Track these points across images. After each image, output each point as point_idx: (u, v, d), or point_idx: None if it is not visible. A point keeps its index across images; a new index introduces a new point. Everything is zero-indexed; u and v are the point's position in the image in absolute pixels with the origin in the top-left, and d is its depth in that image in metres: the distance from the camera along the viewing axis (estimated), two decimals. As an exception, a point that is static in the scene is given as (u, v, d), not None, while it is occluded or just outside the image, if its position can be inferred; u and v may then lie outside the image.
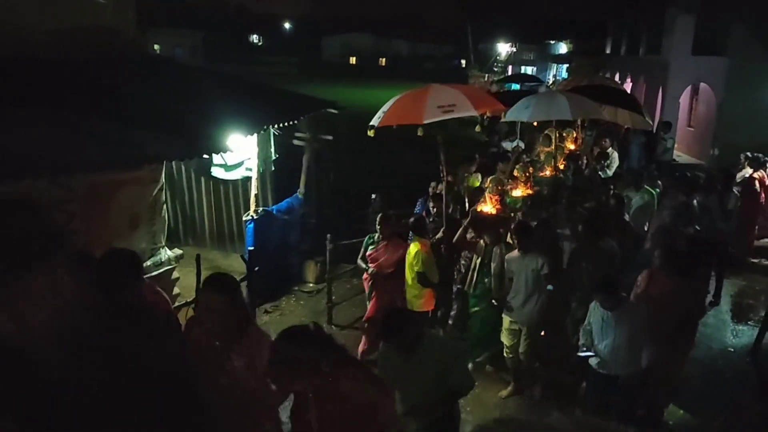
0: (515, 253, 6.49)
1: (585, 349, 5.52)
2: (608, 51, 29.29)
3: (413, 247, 6.69)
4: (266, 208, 8.93)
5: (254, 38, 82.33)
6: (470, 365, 6.71)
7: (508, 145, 14.47)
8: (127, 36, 9.10)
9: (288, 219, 9.33)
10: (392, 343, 4.05)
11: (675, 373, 6.12)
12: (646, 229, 8.69)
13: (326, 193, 11.16)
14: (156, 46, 45.20)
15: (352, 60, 68.49)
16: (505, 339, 6.61)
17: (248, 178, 8.95)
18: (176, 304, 6.66)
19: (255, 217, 8.42)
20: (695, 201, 8.68)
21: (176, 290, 7.07)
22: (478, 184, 10.16)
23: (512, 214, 8.27)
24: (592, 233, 6.68)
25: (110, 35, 8.66)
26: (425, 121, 6.51)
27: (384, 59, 69.67)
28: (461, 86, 7.84)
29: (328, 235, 8.40)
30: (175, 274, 7.01)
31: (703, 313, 6.85)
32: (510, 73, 47.75)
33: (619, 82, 23.26)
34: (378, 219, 7.15)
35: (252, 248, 7.62)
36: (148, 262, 6.51)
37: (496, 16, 56.07)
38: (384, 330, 4.07)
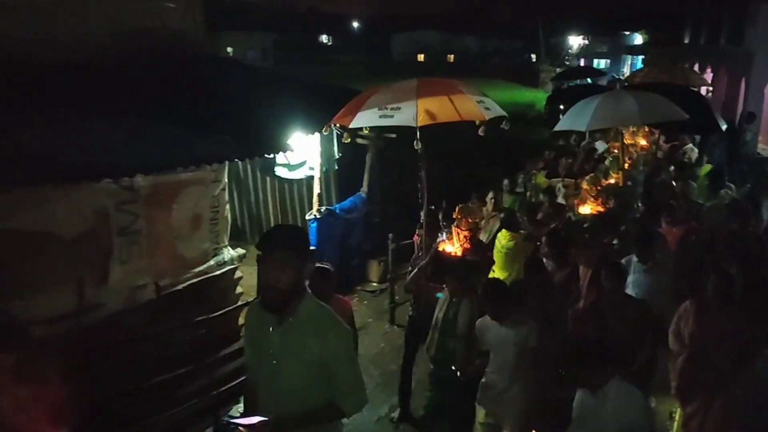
0: (488, 319, 4.84)
1: None
2: (686, 41, 28.09)
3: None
4: (329, 207, 8.91)
5: (324, 38, 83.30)
6: None
7: (601, 146, 12.70)
8: (195, 39, 9.27)
9: (351, 218, 9.29)
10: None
11: None
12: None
13: (389, 192, 11.06)
14: (229, 49, 46.27)
15: (420, 57, 68.27)
16: None
17: (312, 178, 8.95)
18: (239, 303, 6.72)
19: (318, 216, 8.41)
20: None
21: (239, 289, 7.12)
22: (546, 183, 9.78)
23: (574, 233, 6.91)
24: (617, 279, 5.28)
25: (178, 38, 8.84)
26: (351, 126, 5.87)
27: (452, 56, 69.10)
28: (444, 85, 6.23)
29: (390, 235, 8.31)
30: (237, 273, 7.06)
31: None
32: (582, 66, 46.56)
33: (699, 72, 22.25)
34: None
35: (314, 247, 7.60)
36: (211, 262, 6.58)
37: (568, 8, 54.67)
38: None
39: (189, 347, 5.85)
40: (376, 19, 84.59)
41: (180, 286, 6.18)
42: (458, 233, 6.52)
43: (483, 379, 4.96)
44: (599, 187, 8.00)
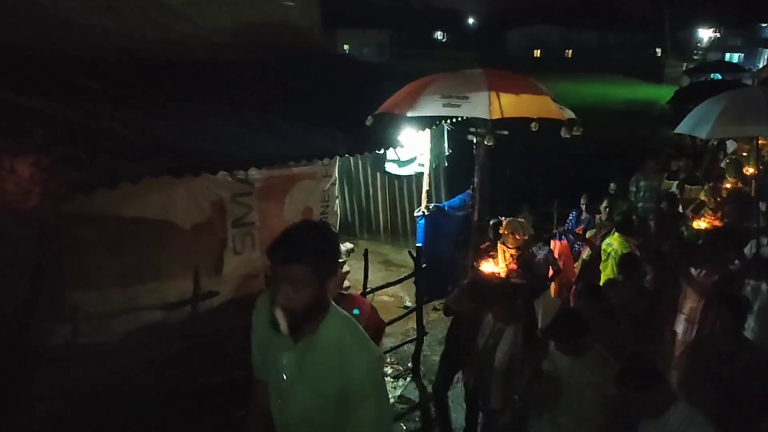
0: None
1: None
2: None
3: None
4: (438, 204, 8.83)
5: (439, 35, 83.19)
6: None
7: (732, 146, 11.40)
8: (313, 36, 9.49)
9: (460, 216, 9.16)
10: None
11: None
12: None
13: (500, 190, 10.84)
14: (345, 46, 47.17)
15: (537, 53, 66.68)
16: None
17: (422, 174, 8.91)
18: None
19: (426, 213, 8.36)
20: None
21: (346, 283, 7.19)
22: (669, 186, 9.14)
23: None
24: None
25: (296, 35, 9.08)
26: (410, 114, 5.36)
27: (570, 51, 66.98)
28: (516, 79, 5.79)
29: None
30: (345, 268, 7.13)
31: None
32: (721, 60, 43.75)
33: None
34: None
35: (420, 244, 7.55)
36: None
37: (698, -1, 51.52)
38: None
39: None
40: (491, 14, 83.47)
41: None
42: (504, 251, 5.90)
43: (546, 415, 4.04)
44: (719, 198, 7.04)
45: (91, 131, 4.53)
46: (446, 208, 8.94)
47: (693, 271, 5.82)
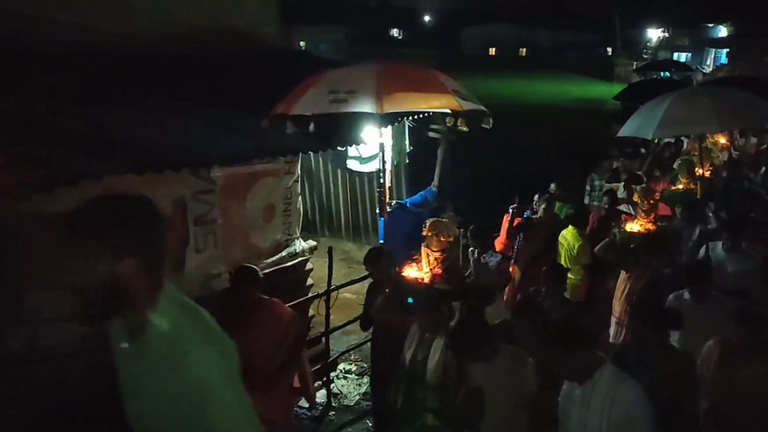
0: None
1: None
2: (777, 33, 26.70)
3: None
4: (399, 201, 8.88)
5: (395, 32, 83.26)
6: None
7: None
8: (271, 32, 9.41)
9: (421, 212, 9.22)
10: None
11: None
12: None
13: (460, 187, 10.94)
14: (302, 43, 46.85)
15: (492, 51, 67.36)
16: None
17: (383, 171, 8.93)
18: (309, 294, 6.77)
19: (388, 210, 8.37)
20: None
21: (309, 281, 7.17)
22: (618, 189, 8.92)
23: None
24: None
25: (255, 31, 8.99)
26: (295, 113, 4.94)
27: (524, 49, 67.89)
28: (412, 72, 5.44)
29: (462, 230, 8.20)
30: (308, 265, 7.11)
31: None
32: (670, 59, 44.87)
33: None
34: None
35: (382, 241, 7.58)
36: (283, 253, 6.65)
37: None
38: None
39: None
40: (447, 12, 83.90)
41: (254, 276, 6.27)
42: (428, 254, 5.54)
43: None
44: (652, 201, 6.90)
45: (50, 128, 4.41)
46: (408, 204, 9.00)
47: (623, 274, 5.93)
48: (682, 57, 43.10)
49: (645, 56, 46.98)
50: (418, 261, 5.52)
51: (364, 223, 10.26)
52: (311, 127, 5.09)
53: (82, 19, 6.64)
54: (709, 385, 4.00)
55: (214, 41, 7.83)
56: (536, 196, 7.98)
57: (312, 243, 7.16)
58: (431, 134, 9.91)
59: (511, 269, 6.97)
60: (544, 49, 66.12)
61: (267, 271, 6.37)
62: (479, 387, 3.73)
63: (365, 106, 4.68)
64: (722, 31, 42.05)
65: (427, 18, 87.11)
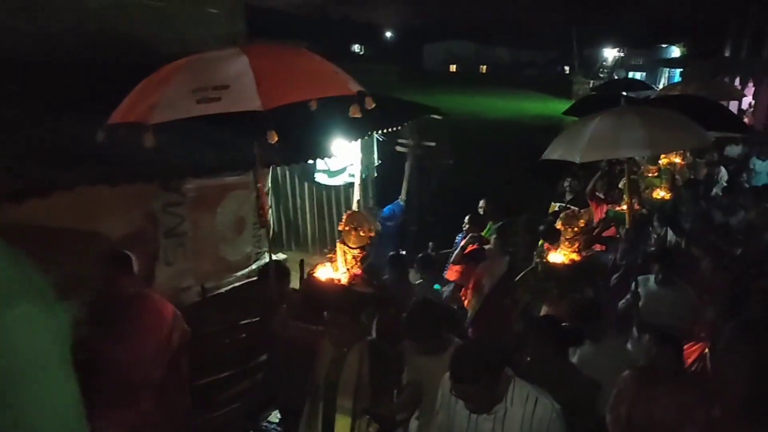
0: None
1: None
2: (727, 54, 27.63)
3: None
4: (368, 215, 8.90)
5: (357, 47, 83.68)
6: None
7: (733, 151, 11.26)
8: (238, 45, 9.38)
9: (389, 226, 9.26)
10: None
11: None
12: None
13: (428, 200, 11.03)
14: (263, 57, 46.76)
15: (453, 68, 68.24)
16: None
17: (351, 184, 8.96)
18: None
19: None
20: None
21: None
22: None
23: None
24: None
25: (221, 44, 8.95)
26: (154, 121, 3.59)
27: (485, 66, 68.97)
28: (288, 54, 4.34)
29: (430, 243, 8.27)
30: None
31: None
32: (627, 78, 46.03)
33: (740, 86, 21.85)
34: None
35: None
36: (253, 266, 6.60)
37: (603, 20, 54.16)
38: None
39: (231, 351, 5.85)
40: (409, 28, 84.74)
41: (223, 289, 6.21)
42: (345, 252, 4.81)
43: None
44: (576, 228, 6.06)
45: (18, 137, 4.31)
46: (376, 218, 9.03)
47: (545, 308, 5.58)
48: (637, 76, 44.29)
49: (601, 75, 48.20)
50: (332, 260, 4.80)
51: (332, 237, 10.23)
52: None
53: (46, 28, 6.53)
54: (627, 418, 3.81)
55: (180, 53, 7.77)
56: (466, 218, 7.54)
57: (282, 256, 7.13)
58: (399, 148, 9.99)
59: (464, 301, 6.42)
60: (504, 66, 67.33)
61: (237, 284, 6.33)
62: (417, 381, 3.51)
63: (244, 102, 3.60)
64: (675, 52, 43.41)
65: (388, 34, 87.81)
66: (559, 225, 6.23)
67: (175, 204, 5.73)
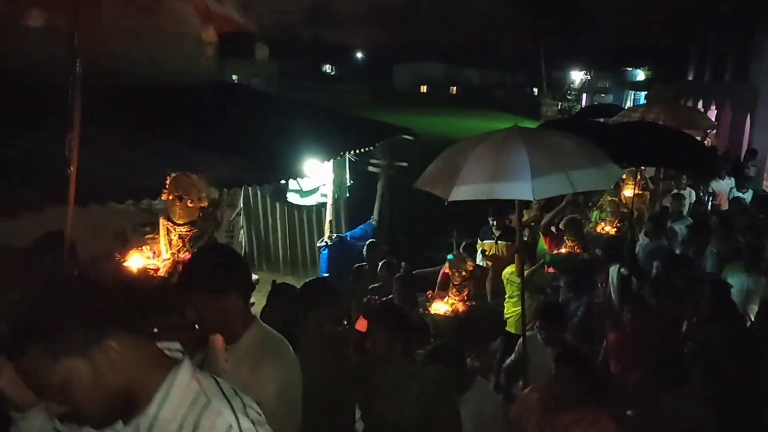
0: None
1: None
2: (690, 77, 28.29)
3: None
4: (340, 234, 8.88)
5: (327, 67, 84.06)
6: None
7: (722, 186, 10.67)
8: (209, 65, 9.37)
9: (361, 245, 9.24)
10: None
11: None
12: None
13: (400, 220, 11.04)
14: (234, 76, 46.62)
15: (423, 88, 68.91)
16: None
17: (323, 204, 8.94)
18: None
19: (329, 243, 8.37)
20: None
21: (251, 315, 7.05)
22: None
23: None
24: None
25: (192, 63, 8.94)
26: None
27: (455, 87, 69.79)
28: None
29: (403, 264, 8.26)
30: (251, 299, 6.99)
31: None
32: (584, 101, 46.87)
33: (703, 109, 22.38)
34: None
35: (326, 274, 7.55)
36: (224, 287, 6.52)
37: (570, 43, 55.23)
38: None
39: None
40: (380, 49, 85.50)
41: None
42: (170, 230, 3.91)
43: None
44: (464, 273, 5.13)
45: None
46: (348, 238, 9.01)
47: None
48: (605, 99, 45.14)
49: (569, 97, 49.09)
50: (153, 242, 3.80)
51: (303, 257, 10.17)
52: None
53: (14, 47, 6.44)
54: None
55: (151, 72, 7.73)
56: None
57: (255, 277, 7.05)
58: (371, 168, 10.01)
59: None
60: (473, 87, 68.16)
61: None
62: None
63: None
64: (640, 75, 44.38)
65: (359, 54, 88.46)
66: (446, 269, 5.41)
67: (147, 224, 5.64)
